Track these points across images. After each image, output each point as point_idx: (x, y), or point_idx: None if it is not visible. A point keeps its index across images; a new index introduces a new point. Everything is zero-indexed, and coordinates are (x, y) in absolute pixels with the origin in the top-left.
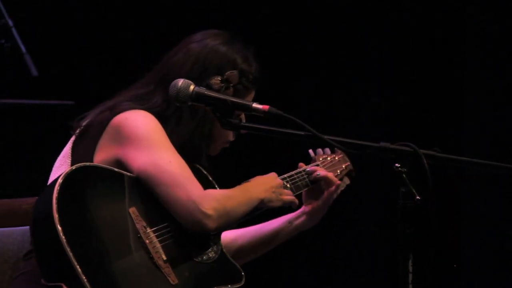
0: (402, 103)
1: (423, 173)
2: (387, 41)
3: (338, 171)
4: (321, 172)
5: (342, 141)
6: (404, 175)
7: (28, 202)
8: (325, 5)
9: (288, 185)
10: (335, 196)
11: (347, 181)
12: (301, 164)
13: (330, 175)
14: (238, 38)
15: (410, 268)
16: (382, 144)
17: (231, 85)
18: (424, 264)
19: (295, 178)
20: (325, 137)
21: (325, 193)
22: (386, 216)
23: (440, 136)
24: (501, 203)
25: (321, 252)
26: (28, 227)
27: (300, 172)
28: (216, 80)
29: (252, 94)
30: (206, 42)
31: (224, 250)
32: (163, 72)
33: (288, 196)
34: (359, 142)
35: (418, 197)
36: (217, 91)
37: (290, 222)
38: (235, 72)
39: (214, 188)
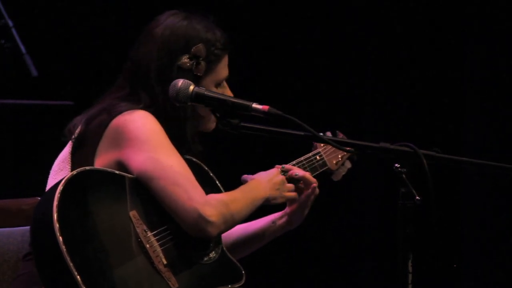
0: (402, 103)
1: (423, 173)
2: (387, 41)
3: (340, 156)
4: (298, 172)
5: (342, 141)
6: (404, 176)
7: (28, 202)
8: (326, 5)
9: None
10: (312, 197)
11: (348, 165)
12: (277, 166)
13: (307, 175)
14: (195, 11)
15: (410, 268)
16: (382, 144)
17: (201, 59)
18: (424, 264)
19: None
20: (325, 137)
21: (302, 196)
22: (386, 216)
23: (440, 136)
24: (501, 203)
25: (321, 252)
26: (28, 227)
27: (301, 161)
28: (185, 59)
29: (226, 60)
30: (166, 23)
31: (224, 249)
32: (133, 66)
33: (291, 192)
34: (359, 142)
35: (418, 197)
36: (189, 70)
37: (273, 222)
38: (200, 45)
39: (215, 183)
